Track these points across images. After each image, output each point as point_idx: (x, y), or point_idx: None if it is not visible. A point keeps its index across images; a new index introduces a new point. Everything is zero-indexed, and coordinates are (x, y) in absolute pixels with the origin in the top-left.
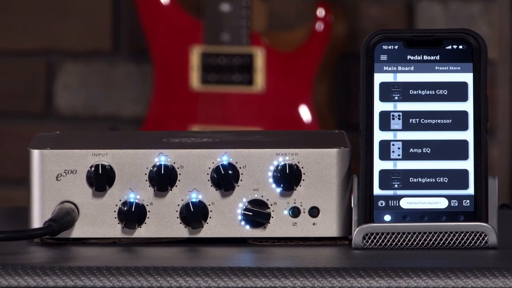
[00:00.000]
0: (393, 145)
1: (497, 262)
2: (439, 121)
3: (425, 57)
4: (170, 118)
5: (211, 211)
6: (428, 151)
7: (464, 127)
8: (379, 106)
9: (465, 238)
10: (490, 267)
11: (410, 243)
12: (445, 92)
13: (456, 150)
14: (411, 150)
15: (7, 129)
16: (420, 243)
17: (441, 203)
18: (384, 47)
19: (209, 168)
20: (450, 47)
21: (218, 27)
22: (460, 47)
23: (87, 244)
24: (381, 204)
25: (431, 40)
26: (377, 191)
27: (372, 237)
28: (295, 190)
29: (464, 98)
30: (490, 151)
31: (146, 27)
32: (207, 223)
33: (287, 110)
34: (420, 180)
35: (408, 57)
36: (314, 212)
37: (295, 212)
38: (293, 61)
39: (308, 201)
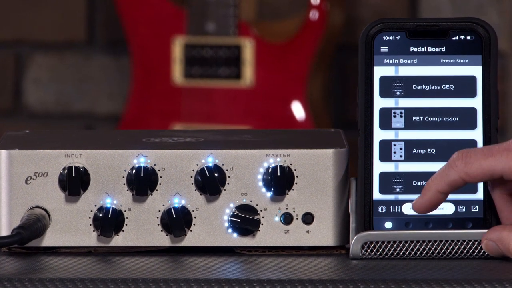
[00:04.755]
0: (394, 145)
1: (508, 273)
2: (445, 119)
3: (430, 49)
4: (150, 116)
5: (195, 217)
6: (433, 152)
7: (473, 126)
8: (379, 103)
9: (473, 247)
10: (501, 278)
11: (413, 253)
12: (451, 87)
13: None
14: (414, 150)
15: None
16: (424, 252)
17: (447, 209)
18: (384, 37)
19: (193, 170)
20: (457, 38)
21: (203, 16)
22: (468, 38)
23: (59, 254)
24: (382, 209)
25: (436, 30)
26: (377, 195)
27: (371, 246)
28: (287, 194)
29: (473, 94)
30: None
31: (124, 16)
32: (191, 230)
33: (278, 107)
34: (424, 183)
35: (411, 48)
36: (308, 218)
37: (287, 218)
38: (285, 53)
39: (302, 207)
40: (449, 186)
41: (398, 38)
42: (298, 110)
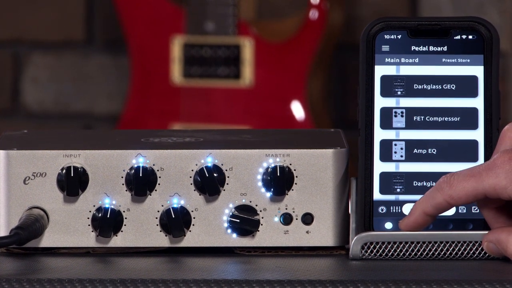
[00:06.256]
0: (395, 145)
1: (509, 274)
2: (446, 119)
3: (431, 48)
4: (149, 116)
5: (194, 217)
6: (434, 152)
7: (474, 126)
8: (380, 102)
9: (473, 248)
10: (502, 279)
11: (413, 254)
12: (453, 86)
13: (465, 151)
14: (415, 150)
15: None
16: (425, 253)
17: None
18: (386, 36)
19: (192, 170)
20: (458, 37)
21: (202, 15)
22: (470, 37)
23: (57, 254)
24: (382, 210)
25: (438, 29)
26: (377, 195)
27: (371, 246)
28: (287, 194)
29: (474, 94)
30: None
31: (123, 15)
32: (190, 231)
33: (278, 107)
34: (425, 184)
35: (413, 48)
36: (307, 219)
37: (286, 219)
38: (284, 52)
39: (301, 207)
40: (435, 208)
41: (399, 37)
42: (298, 110)
